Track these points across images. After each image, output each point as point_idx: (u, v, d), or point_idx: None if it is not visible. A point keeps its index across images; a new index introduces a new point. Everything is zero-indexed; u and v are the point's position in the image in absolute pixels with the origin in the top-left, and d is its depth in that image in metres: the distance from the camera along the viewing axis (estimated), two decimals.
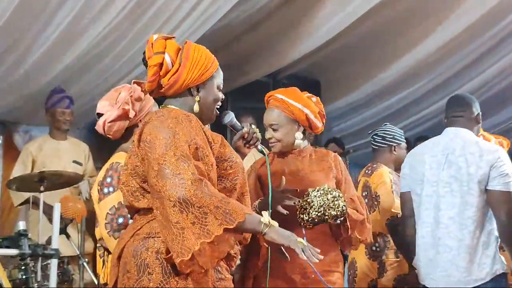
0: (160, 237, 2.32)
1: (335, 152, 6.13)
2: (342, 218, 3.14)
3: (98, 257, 3.30)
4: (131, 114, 3.10)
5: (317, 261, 2.36)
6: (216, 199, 2.24)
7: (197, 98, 2.54)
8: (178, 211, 2.21)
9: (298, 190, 3.12)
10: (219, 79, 2.61)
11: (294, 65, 6.79)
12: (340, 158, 3.51)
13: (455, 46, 6.63)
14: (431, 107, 7.96)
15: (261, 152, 3.07)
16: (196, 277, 2.32)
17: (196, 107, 2.53)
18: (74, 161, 5.48)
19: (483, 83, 7.48)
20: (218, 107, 2.65)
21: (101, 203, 3.07)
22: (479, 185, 3.56)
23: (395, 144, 4.65)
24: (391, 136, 4.66)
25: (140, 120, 3.11)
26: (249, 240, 2.66)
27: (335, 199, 3.09)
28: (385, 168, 4.57)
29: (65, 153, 5.48)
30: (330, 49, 6.57)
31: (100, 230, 3.10)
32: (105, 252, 3.17)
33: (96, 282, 3.97)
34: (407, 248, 4.06)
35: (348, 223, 3.18)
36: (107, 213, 3.03)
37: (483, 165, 3.57)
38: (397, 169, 4.60)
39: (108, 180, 3.08)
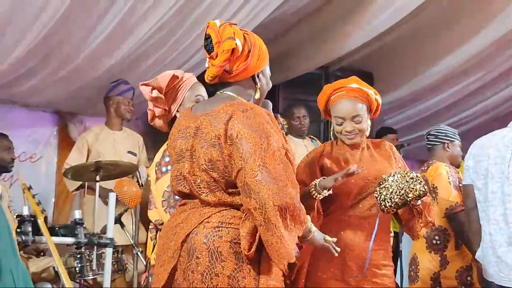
0: (234, 227, 2.37)
1: (392, 141, 6.15)
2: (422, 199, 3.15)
3: (149, 240, 3.31)
4: (158, 112, 3.11)
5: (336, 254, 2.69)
6: (303, 209, 2.37)
7: (259, 85, 2.56)
8: (280, 216, 2.28)
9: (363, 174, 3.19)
10: (269, 68, 2.65)
11: (347, 57, 6.73)
12: (394, 146, 3.50)
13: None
14: (482, 102, 7.79)
15: None
16: (267, 263, 2.38)
17: (258, 94, 2.56)
18: (129, 152, 5.52)
19: None
20: None
21: (158, 181, 3.09)
22: None
23: (447, 142, 4.74)
24: (443, 134, 4.76)
25: (178, 110, 3.12)
26: None
27: (414, 180, 3.09)
28: (441, 163, 4.65)
29: (120, 143, 5.52)
30: (383, 41, 6.51)
31: (157, 208, 3.11)
32: (158, 233, 3.18)
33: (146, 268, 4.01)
34: (468, 240, 4.07)
35: (421, 205, 3.20)
36: (165, 190, 3.05)
37: None
38: (452, 165, 4.73)
39: (167, 159, 3.10)
